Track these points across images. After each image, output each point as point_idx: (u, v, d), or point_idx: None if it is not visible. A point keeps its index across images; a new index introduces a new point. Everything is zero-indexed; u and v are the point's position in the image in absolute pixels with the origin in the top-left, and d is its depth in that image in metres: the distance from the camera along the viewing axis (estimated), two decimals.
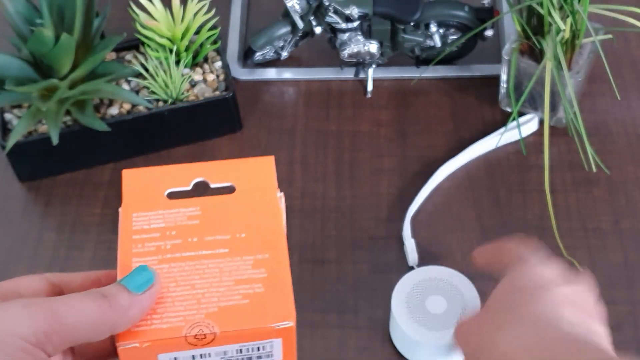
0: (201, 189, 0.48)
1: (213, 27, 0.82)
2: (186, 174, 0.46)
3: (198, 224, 0.44)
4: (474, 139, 0.81)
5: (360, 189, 0.79)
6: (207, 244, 0.43)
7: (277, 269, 0.42)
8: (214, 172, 0.47)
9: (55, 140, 0.75)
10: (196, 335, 0.40)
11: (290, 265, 0.43)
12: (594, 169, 0.77)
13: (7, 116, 0.80)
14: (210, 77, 0.83)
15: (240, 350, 0.41)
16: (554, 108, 0.80)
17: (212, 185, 0.47)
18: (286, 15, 0.84)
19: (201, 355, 0.40)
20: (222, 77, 0.83)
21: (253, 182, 0.46)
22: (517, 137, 0.80)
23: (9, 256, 0.76)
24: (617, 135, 0.81)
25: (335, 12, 0.81)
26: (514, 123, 0.79)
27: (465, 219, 0.76)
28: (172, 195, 0.46)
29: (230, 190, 0.46)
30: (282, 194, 0.46)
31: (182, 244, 0.43)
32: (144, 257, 0.42)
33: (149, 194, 0.45)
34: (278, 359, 0.42)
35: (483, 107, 0.84)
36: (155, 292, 0.40)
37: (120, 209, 0.45)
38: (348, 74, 0.87)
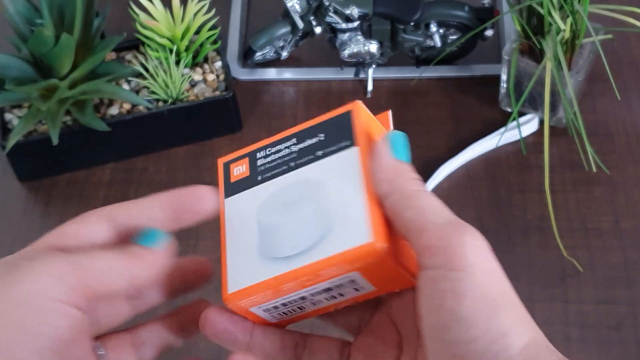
0: None
1: (213, 27, 0.82)
2: None
3: None
4: (474, 139, 0.81)
5: None
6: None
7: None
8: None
9: (55, 140, 0.75)
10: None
11: None
12: (594, 169, 0.77)
13: (7, 116, 0.80)
14: (210, 77, 0.83)
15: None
16: (554, 108, 0.79)
17: None
18: (286, 15, 0.84)
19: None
20: (222, 77, 0.83)
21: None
22: (517, 137, 0.80)
23: None
24: (617, 135, 0.81)
25: (335, 12, 0.81)
26: (514, 123, 0.79)
27: (465, 219, 0.76)
28: None
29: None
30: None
31: None
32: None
33: None
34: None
35: (483, 107, 0.84)
36: (168, 249, 0.40)
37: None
38: (348, 74, 0.87)
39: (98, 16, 0.79)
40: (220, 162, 0.45)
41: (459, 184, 0.79)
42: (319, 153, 0.41)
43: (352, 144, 0.40)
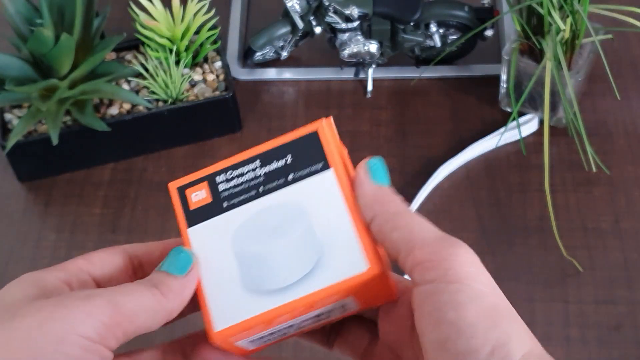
0: None
1: (213, 27, 0.82)
2: None
3: None
4: (474, 139, 0.81)
5: None
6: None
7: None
8: None
9: (55, 140, 0.75)
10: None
11: None
12: (594, 169, 0.77)
13: (7, 116, 0.80)
14: (210, 77, 0.83)
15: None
16: (554, 108, 0.80)
17: None
18: (286, 15, 0.84)
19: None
20: (222, 77, 0.83)
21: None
22: (517, 137, 0.80)
23: (9, 256, 0.76)
24: (617, 135, 0.81)
25: (335, 12, 0.81)
26: (514, 123, 0.79)
27: (465, 219, 0.76)
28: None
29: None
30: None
31: None
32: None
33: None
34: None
35: (483, 107, 0.84)
36: (197, 270, 0.40)
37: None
38: (348, 74, 0.87)
39: (98, 16, 0.79)
40: (173, 186, 0.43)
41: (459, 184, 0.79)
42: (290, 177, 0.40)
43: (326, 167, 0.40)
